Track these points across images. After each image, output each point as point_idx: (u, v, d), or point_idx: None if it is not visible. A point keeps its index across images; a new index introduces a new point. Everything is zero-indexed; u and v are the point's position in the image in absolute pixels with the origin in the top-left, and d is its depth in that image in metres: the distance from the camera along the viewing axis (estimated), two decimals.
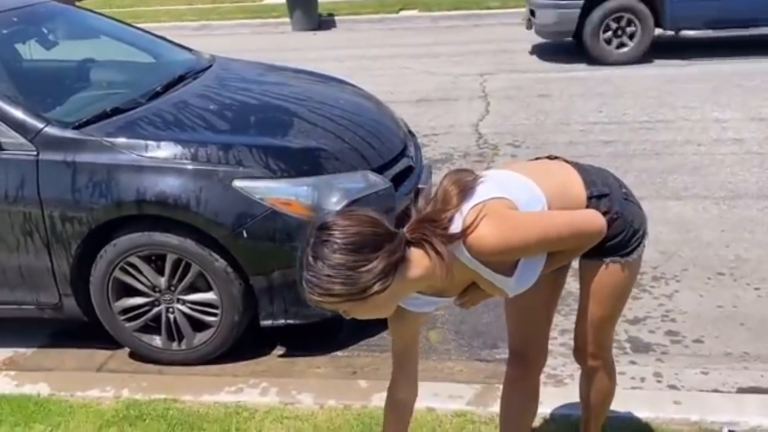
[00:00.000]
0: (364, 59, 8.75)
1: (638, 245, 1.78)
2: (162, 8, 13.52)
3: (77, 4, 9.03)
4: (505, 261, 1.59)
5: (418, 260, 1.51)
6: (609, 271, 1.77)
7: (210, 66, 3.80)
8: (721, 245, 3.75)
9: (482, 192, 1.57)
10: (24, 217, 2.86)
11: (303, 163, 2.96)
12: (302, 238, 1.52)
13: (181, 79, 3.52)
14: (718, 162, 4.86)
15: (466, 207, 1.54)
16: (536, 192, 1.64)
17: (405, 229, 1.54)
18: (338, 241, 1.43)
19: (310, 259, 1.45)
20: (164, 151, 2.85)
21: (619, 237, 1.74)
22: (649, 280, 3.47)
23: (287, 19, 11.30)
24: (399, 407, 1.85)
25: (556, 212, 1.64)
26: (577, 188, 1.72)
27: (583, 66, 7.79)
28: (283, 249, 2.80)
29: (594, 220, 1.66)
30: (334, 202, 2.89)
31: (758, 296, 3.28)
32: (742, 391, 2.63)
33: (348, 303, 1.47)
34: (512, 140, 5.57)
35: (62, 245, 2.87)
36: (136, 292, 2.96)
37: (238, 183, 2.79)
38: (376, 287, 1.44)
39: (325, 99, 3.62)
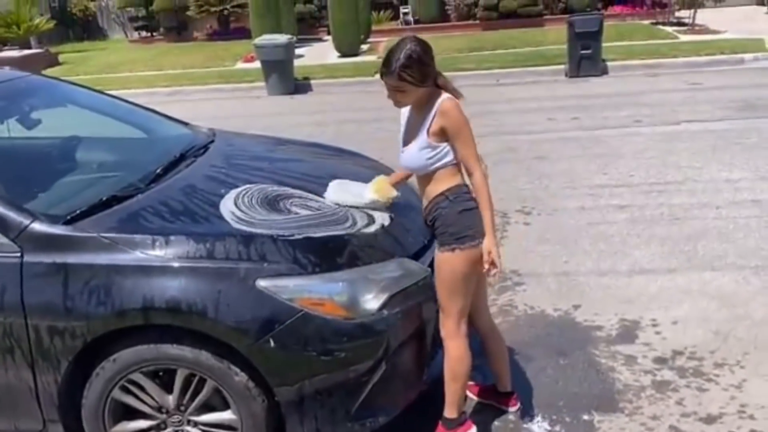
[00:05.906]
0: (346, 123, 8.49)
1: None
2: (131, 75, 13.14)
3: (43, 73, 8.62)
4: None
5: None
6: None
7: (211, 141, 3.42)
8: None
9: None
10: (3, 330, 2.40)
11: (334, 255, 2.57)
12: None
13: (182, 158, 3.12)
14: (743, 226, 4.62)
15: None
16: None
17: None
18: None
19: None
20: (174, 247, 2.43)
21: None
22: (711, 367, 3.13)
23: (262, 84, 11.05)
24: None
25: None
26: None
27: (573, 125, 7.66)
28: (315, 357, 2.39)
29: None
30: (372, 299, 2.51)
31: None
32: None
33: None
34: (521, 206, 5.28)
35: (49, 363, 2.40)
36: (139, 414, 2.50)
37: (262, 282, 2.38)
38: None
39: (344, 176, 3.25)
